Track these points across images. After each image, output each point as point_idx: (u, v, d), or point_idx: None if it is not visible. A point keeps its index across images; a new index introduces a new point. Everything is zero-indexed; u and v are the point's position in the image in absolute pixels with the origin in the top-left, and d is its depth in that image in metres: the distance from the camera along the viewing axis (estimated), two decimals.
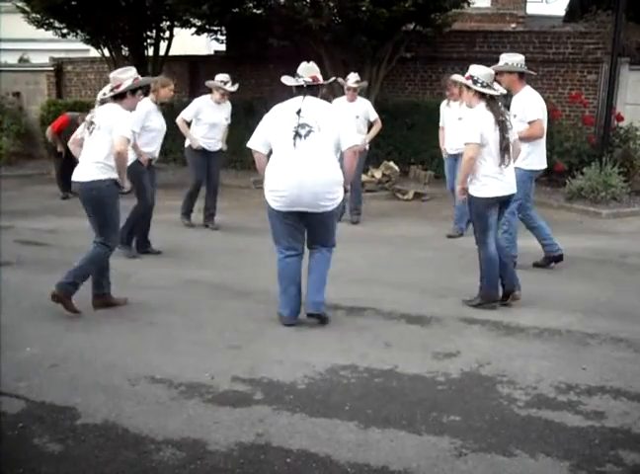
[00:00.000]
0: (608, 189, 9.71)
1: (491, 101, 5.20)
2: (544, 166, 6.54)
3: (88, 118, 5.26)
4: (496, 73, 6.28)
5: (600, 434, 3.41)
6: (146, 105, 6.90)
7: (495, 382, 4.00)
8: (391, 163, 11.30)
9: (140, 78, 5.43)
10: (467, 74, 5.27)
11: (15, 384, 3.96)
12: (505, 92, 5.47)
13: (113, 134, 5.07)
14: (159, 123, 7.09)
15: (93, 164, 5.17)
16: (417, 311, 5.27)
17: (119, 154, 5.09)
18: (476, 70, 5.24)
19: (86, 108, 12.91)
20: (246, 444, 3.29)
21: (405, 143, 12.16)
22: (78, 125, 10.27)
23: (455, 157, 7.77)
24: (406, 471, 3.06)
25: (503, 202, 5.36)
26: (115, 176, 5.20)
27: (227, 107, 8.42)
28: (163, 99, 7.20)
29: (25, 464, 3.15)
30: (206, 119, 8.17)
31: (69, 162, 10.46)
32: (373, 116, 8.67)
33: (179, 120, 8.08)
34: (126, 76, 5.24)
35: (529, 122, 6.29)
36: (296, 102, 4.88)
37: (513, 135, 5.27)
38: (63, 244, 7.62)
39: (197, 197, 8.47)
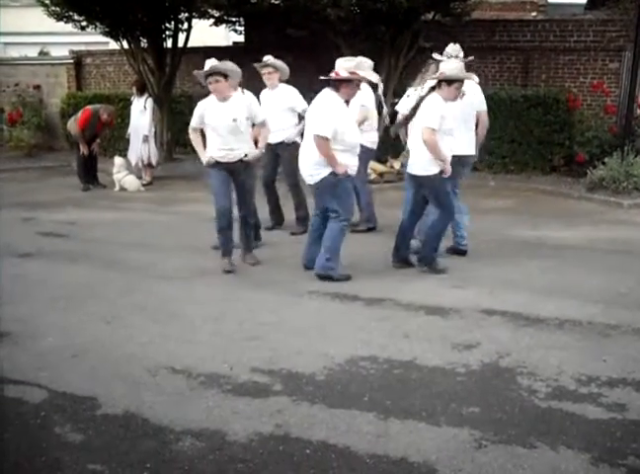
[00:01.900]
0: (630, 179, 9.57)
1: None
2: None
3: None
4: None
5: (621, 426, 3.37)
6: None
7: (515, 374, 3.97)
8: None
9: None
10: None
11: (37, 374, 4.00)
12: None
13: None
14: None
15: None
16: (436, 302, 5.25)
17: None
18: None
19: (105, 100, 13.07)
20: (265, 435, 3.30)
21: None
22: (100, 118, 10.48)
23: None
24: (425, 463, 3.06)
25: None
26: None
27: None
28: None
29: (46, 453, 3.18)
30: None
31: (90, 154, 10.62)
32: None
33: None
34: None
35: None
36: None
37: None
38: (83, 235, 7.68)
39: None
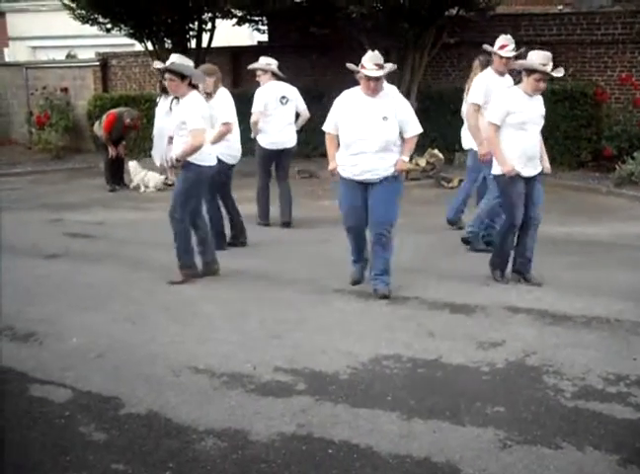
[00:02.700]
0: None
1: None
2: None
3: None
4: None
5: None
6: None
7: (541, 372, 3.91)
8: (435, 150, 11.16)
9: None
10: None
11: (62, 374, 4.03)
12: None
13: None
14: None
15: None
16: (461, 300, 5.19)
17: None
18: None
19: (131, 101, 13.18)
20: (287, 435, 3.29)
21: (449, 130, 11.96)
22: (124, 121, 10.60)
23: None
24: (449, 463, 3.02)
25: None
26: None
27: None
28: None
29: (71, 452, 3.20)
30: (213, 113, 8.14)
31: (116, 156, 10.73)
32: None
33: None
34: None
35: None
36: None
37: None
38: (110, 236, 7.74)
39: None
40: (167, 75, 5.70)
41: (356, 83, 5.75)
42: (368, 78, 5.11)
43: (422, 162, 11.00)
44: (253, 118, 7.66)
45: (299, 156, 13.26)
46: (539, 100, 5.43)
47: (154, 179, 10.67)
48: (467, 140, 7.19)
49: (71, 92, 15.41)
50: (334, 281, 5.63)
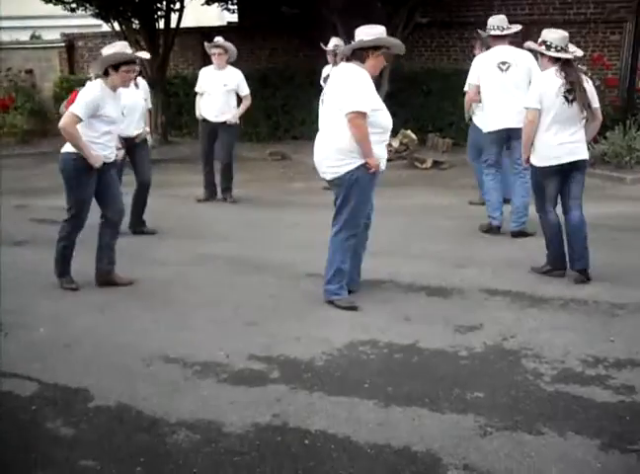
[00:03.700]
0: (633, 153, 9.43)
1: (566, 65, 4.97)
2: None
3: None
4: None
5: (630, 410, 3.25)
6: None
7: (520, 356, 3.85)
8: (408, 131, 11.08)
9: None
10: (540, 39, 5.06)
11: (28, 366, 3.89)
12: (581, 53, 5.22)
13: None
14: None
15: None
16: (437, 283, 5.13)
17: (62, 130, 5.21)
18: (549, 34, 5.04)
19: None
20: (262, 425, 3.19)
21: (422, 111, 11.92)
22: None
23: None
24: (429, 452, 2.94)
25: (570, 169, 5.13)
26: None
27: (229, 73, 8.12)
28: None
29: (37, 449, 3.07)
30: (210, 90, 8.12)
31: None
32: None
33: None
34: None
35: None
36: (337, 69, 4.72)
37: (591, 102, 5.05)
38: None
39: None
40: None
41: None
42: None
43: (395, 143, 10.90)
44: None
45: (271, 138, 13.16)
46: None
47: None
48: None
49: (36, 74, 15.02)
50: (306, 266, 5.52)
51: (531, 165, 5.19)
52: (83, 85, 5.42)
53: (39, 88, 14.84)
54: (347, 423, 3.19)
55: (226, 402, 3.43)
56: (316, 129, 4.79)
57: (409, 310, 4.60)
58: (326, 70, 8.14)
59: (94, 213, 5.43)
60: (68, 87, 13.36)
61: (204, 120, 8.06)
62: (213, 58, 7.98)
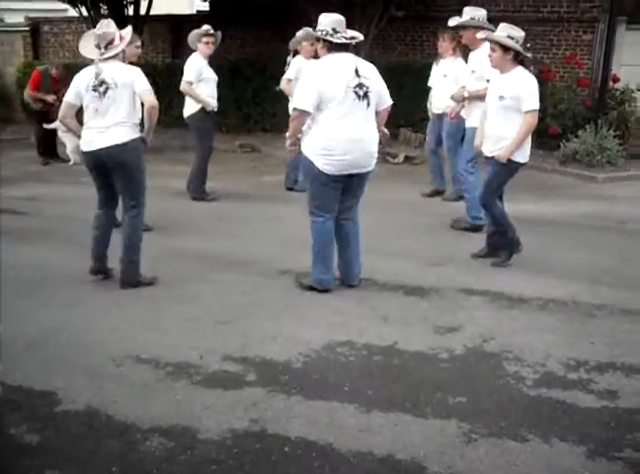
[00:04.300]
0: (604, 152, 9.48)
1: (524, 63, 5.01)
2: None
3: (89, 81, 4.71)
4: (459, 27, 6.17)
5: (614, 415, 3.21)
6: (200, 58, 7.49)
7: (501, 359, 3.78)
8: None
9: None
10: (502, 34, 4.97)
11: None
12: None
13: (140, 90, 4.75)
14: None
15: (121, 125, 4.77)
16: (414, 282, 5.05)
17: (153, 109, 4.78)
18: (510, 30, 4.97)
19: (65, 69, 12.51)
20: (239, 432, 3.07)
21: (394, 105, 11.81)
22: (53, 77, 9.90)
23: (440, 116, 7.49)
24: (413, 460, 2.85)
25: None
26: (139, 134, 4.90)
27: None
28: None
29: (0, 458, 2.91)
30: (210, 76, 7.67)
31: (47, 124, 10.02)
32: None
33: (185, 86, 7.51)
34: (114, 29, 4.87)
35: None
36: (341, 61, 4.53)
37: None
38: (43, 213, 7.32)
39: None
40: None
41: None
42: None
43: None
44: None
45: (241, 130, 12.96)
46: (507, 78, 5.11)
47: (72, 141, 9.60)
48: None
49: None
50: (280, 262, 5.41)
51: (513, 161, 5.18)
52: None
53: (1, 73, 14.41)
54: (327, 429, 3.08)
55: (201, 406, 3.29)
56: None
57: (387, 310, 4.51)
58: (296, 62, 7.90)
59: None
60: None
61: (211, 111, 7.67)
62: (204, 47, 7.55)
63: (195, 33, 7.65)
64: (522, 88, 5.03)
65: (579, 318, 4.37)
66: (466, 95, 6.36)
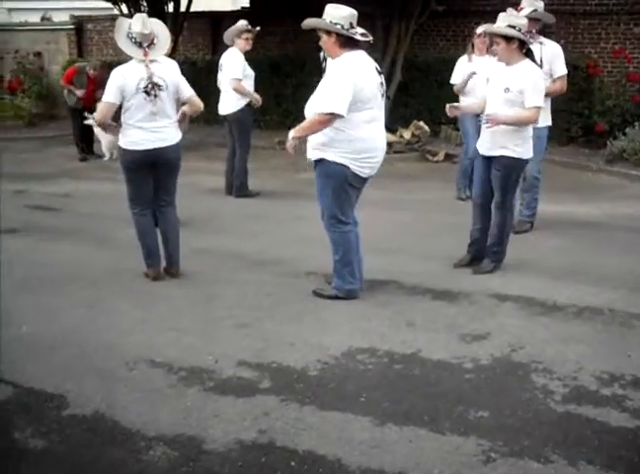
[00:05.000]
0: None
1: (530, 54, 4.76)
2: None
3: (138, 81, 4.64)
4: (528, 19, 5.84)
5: None
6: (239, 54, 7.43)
7: (529, 370, 3.58)
8: (421, 123, 10.76)
9: None
10: (502, 24, 4.72)
11: (4, 367, 3.66)
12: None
13: (189, 95, 4.87)
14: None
15: (172, 125, 4.87)
16: (444, 285, 4.86)
17: (199, 108, 4.97)
18: (510, 19, 4.70)
19: (107, 67, 12.61)
20: (247, 443, 2.94)
21: (435, 102, 11.55)
22: (89, 75, 9.95)
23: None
24: None
25: None
26: None
27: None
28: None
29: (1, 462, 2.84)
30: (250, 72, 7.62)
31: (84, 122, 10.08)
32: None
33: (236, 84, 7.42)
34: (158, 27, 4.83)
35: (559, 77, 6.02)
36: (365, 59, 4.35)
37: None
38: (75, 209, 7.35)
39: None
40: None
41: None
42: None
43: (407, 134, 10.61)
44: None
45: (281, 126, 12.86)
46: (514, 70, 4.79)
47: (107, 140, 9.80)
48: None
49: (45, 56, 14.79)
50: (306, 263, 5.27)
51: (520, 159, 4.93)
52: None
53: (47, 71, 14.61)
54: (338, 442, 2.94)
55: (210, 414, 3.18)
56: None
57: (412, 315, 4.33)
58: None
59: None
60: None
61: (254, 106, 7.68)
62: (245, 43, 7.50)
63: (234, 28, 7.57)
64: (528, 82, 4.74)
65: (615, 328, 4.12)
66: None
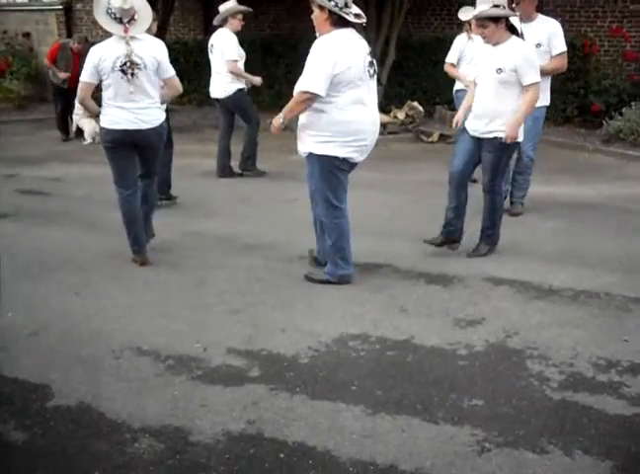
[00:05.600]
0: None
1: (514, 29, 4.67)
2: None
3: (115, 59, 4.51)
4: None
5: None
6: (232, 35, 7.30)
7: (524, 357, 3.50)
8: (415, 103, 10.62)
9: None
10: (485, 6, 4.57)
11: None
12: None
13: (168, 76, 4.76)
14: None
15: (154, 106, 4.75)
16: (438, 269, 4.77)
17: (177, 94, 4.99)
18: None
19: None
20: (234, 434, 2.86)
21: (430, 82, 11.43)
22: (73, 51, 9.81)
23: None
24: (418, 471, 2.60)
25: None
26: None
27: None
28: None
29: None
30: (242, 53, 7.51)
31: (70, 101, 9.92)
32: None
33: (233, 66, 7.32)
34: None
35: (559, 54, 5.82)
36: (354, 38, 4.19)
37: None
38: (66, 193, 7.23)
39: None
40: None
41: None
42: None
43: (401, 115, 10.48)
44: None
45: (273, 108, 12.72)
46: (503, 49, 4.67)
47: (88, 125, 10.01)
48: None
49: (34, 37, 14.56)
50: (299, 247, 5.16)
51: (514, 141, 4.81)
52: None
53: (36, 52, 14.39)
54: (329, 433, 2.86)
55: (198, 404, 3.10)
56: None
57: (406, 300, 4.25)
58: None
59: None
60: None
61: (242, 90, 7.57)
62: (238, 23, 7.39)
63: (230, 8, 7.38)
64: (521, 59, 4.61)
65: (612, 312, 4.05)
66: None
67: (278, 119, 4.35)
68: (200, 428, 2.91)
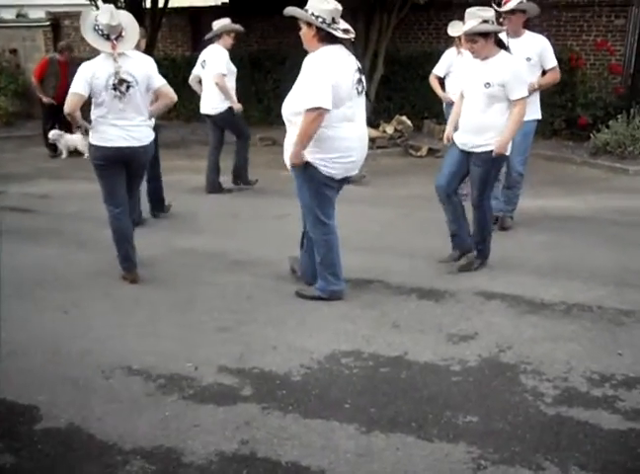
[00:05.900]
0: (636, 143, 9.04)
1: (502, 44, 4.71)
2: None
3: (108, 78, 4.48)
4: (509, 12, 5.72)
5: None
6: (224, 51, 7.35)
7: (518, 372, 3.49)
8: (404, 118, 10.66)
9: None
10: (474, 22, 4.58)
11: None
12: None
13: (159, 84, 4.72)
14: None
15: (145, 124, 4.76)
16: (430, 284, 4.76)
17: (172, 103, 4.86)
18: (479, 14, 4.57)
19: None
20: (227, 455, 2.82)
21: (418, 96, 11.48)
22: (60, 62, 9.79)
23: None
24: None
25: None
26: None
27: None
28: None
29: None
30: (233, 69, 7.53)
31: (56, 118, 9.91)
32: None
33: (219, 79, 7.28)
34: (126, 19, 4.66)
35: (552, 68, 5.89)
36: (344, 55, 4.14)
37: None
38: (53, 210, 7.18)
39: None
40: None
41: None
42: None
43: (389, 129, 10.50)
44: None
45: (262, 123, 12.73)
46: (492, 64, 4.66)
47: (79, 141, 9.99)
48: None
49: (21, 54, 14.54)
50: (289, 263, 5.13)
51: (503, 155, 4.83)
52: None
53: (23, 68, 14.37)
54: (322, 452, 2.82)
55: (190, 424, 3.06)
56: None
57: (398, 315, 4.23)
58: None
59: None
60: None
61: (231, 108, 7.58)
62: (231, 39, 7.45)
63: (226, 25, 7.43)
64: (509, 75, 4.61)
65: (605, 325, 4.04)
66: (536, 87, 5.80)
67: (296, 150, 4.16)
68: (192, 448, 2.87)
